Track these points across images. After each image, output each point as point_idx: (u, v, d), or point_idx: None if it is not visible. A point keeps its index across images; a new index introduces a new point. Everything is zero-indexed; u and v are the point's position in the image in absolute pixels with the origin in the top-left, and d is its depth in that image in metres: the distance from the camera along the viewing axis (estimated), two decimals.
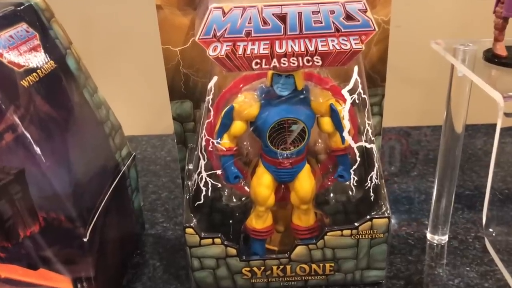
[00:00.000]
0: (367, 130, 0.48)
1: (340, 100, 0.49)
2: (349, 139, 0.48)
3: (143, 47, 0.84)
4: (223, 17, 0.42)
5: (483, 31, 0.58)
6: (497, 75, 0.47)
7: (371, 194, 0.51)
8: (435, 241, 0.62)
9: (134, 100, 0.92)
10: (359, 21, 0.42)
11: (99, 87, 0.58)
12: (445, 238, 0.62)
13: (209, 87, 0.47)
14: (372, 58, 0.54)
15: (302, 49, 0.43)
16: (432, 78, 0.89)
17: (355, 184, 0.50)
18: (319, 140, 0.52)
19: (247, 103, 0.48)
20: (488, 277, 0.56)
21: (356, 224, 0.51)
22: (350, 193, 0.51)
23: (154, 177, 0.80)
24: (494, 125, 0.84)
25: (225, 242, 0.51)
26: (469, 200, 0.70)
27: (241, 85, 0.50)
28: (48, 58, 0.49)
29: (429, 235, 0.62)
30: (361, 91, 0.46)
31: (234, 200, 0.54)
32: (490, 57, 0.48)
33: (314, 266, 0.53)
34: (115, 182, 0.55)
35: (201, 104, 0.56)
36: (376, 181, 0.50)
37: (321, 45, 0.43)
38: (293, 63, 0.44)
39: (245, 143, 0.52)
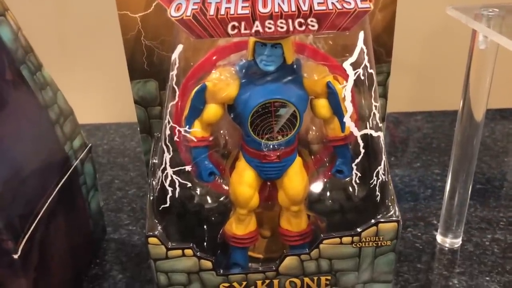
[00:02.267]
0: (374, 114, 0.39)
1: (339, 77, 0.39)
2: (351, 126, 0.38)
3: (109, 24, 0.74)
4: None
5: None
6: None
7: (377, 193, 0.41)
8: (447, 245, 0.53)
9: (102, 85, 0.81)
10: None
11: (63, 73, 0.47)
12: (459, 241, 0.53)
13: (172, 58, 0.37)
14: (376, 27, 0.44)
15: (293, 8, 0.33)
16: (421, 61, 0.80)
17: (357, 181, 0.41)
18: (313, 128, 0.42)
19: (223, 81, 0.38)
20: None
21: (358, 229, 0.41)
22: (352, 191, 0.41)
23: (121, 171, 0.70)
24: (501, 110, 0.75)
25: (198, 253, 0.41)
26: (481, 196, 0.61)
27: (215, 58, 0.39)
28: None
29: (439, 238, 0.53)
30: (367, 65, 0.36)
31: (210, 201, 0.44)
32: None
33: (307, 280, 0.43)
34: (62, 180, 0.45)
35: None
36: (383, 177, 0.41)
37: (318, 3, 0.33)
38: (282, 28, 0.34)
39: (222, 131, 0.42)
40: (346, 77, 0.39)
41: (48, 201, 0.42)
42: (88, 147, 0.51)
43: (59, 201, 0.44)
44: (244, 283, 0.43)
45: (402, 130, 0.79)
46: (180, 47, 0.37)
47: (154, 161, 0.45)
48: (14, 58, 0.43)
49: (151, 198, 0.43)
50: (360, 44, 0.35)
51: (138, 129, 0.49)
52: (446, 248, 0.53)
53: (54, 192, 0.43)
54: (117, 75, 0.81)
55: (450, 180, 0.50)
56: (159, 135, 0.48)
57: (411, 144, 0.74)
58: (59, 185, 0.44)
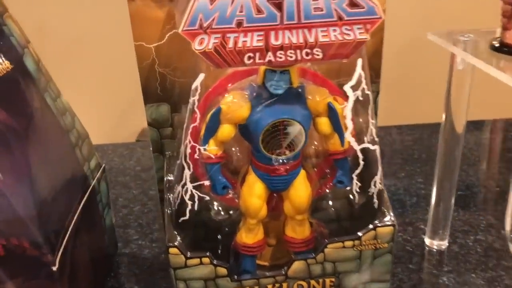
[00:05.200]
0: (371, 130, 0.44)
1: (338, 98, 0.44)
2: (351, 141, 0.43)
3: (105, 48, 0.78)
4: (210, 5, 0.37)
5: (470, 23, 0.55)
6: (508, 65, 0.43)
7: (375, 200, 0.46)
8: (435, 247, 0.58)
9: (96, 106, 0.85)
10: (363, 7, 0.38)
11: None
12: (445, 243, 0.58)
13: (194, 86, 0.42)
14: (367, 51, 0.50)
15: (301, 40, 0.38)
16: (398, 79, 0.86)
17: (358, 190, 0.45)
18: (315, 142, 0.47)
19: (236, 103, 0.43)
20: (496, 283, 0.52)
21: (359, 234, 0.46)
22: (352, 199, 0.46)
23: (124, 190, 0.73)
24: (474, 122, 0.81)
25: (214, 261, 0.45)
26: (462, 201, 0.67)
27: (229, 84, 0.44)
28: (3, 58, 0.42)
29: (427, 241, 0.59)
30: (365, 87, 0.41)
31: (222, 213, 0.48)
32: (499, 46, 0.44)
33: (313, 282, 0.48)
34: (84, 198, 0.48)
35: (179, 107, 0.50)
36: (380, 186, 0.46)
37: (322, 35, 0.38)
38: (291, 57, 0.38)
39: (233, 149, 0.47)
40: (345, 98, 0.44)
41: (75, 218, 0.45)
42: (102, 167, 0.55)
43: (82, 217, 0.47)
44: (256, 287, 0.47)
45: (384, 143, 0.84)
46: (201, 76, 0.41)
47: (169, 177, 0.49)
48: (39, 87, 0.47)
49: (169, 211, 0.47)
50: (358, 69, 0.40)
51: (151, 148, 0.53)
52: (434, 250, 0.58)
53: (79, 209, 0.47)
54: (110, 98, 0.85)
55: (436, 188, 0.56)
56: (172, 153, 0.52)
57: (394, 156, 0.80)
58: (82, 203, 0.48)
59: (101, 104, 0.84)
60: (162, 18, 0.47)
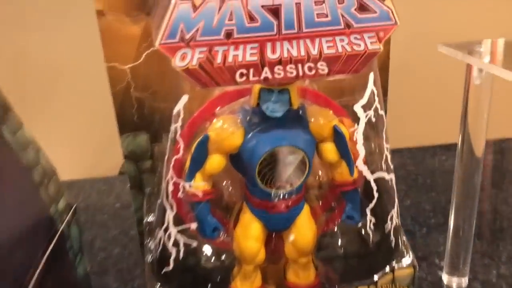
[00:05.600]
0: (386, 156, 0.37)
1: (345, 120, 0.38)
2: (364, 170, 0.36)
3: (83, 75, 0.71)
4: (193, 12, 0.30)
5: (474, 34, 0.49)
6: None
7: (392, 237, 0.39)
8: (454, 285, 0.51)
9: (71, 138, 0.78)
10: (375, 12, 0.32)
11: (27, 125, 0.44)
12: (465, 280, 0.51)
13: (176, 110, 0.35)
14: None
15: (302, 53, 0.32)
16: (396, 100, 0.81)
17: (371, 227, 0.39)
18: (319, 172, 0.41)
19: (226, 130, 0.36)
20: None
21: (375, 277, 0.39)
22: (366, 237, 0.40)
23: (101, 230, 0.66)
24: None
25: None
26: (476, 229, 0.60)
27: (217, 108, 0.37)
28: None
29: (445, 278, 0.52)
30: (378, 106, 0.35)
31: (213, 259, 0.41)
32: None
33: None
34: (50, 248, 0.41)
35: (160, 136, 0.44)
36: (397, 220, 0.39)
37: (327, 46, 0.32)
38: (291, 73, 0.32)
39: (224, 183, 0.40)
40: (352, 119, 0.38)
41: (36, 273, 0.38)
42: (73, 208, 0.47)
43: (47, 271, 0.40)
44: None
45: None
46: (185, 98, 0.35)
47: (150, 219, 0.42)
48: None
49: (149, 260, 0.40)
50: (370, 86, 0.34)
51: (129, 185, 0.46)
52: None
53: (42, 262, 0.39)
54: (87, 127, 0.79)
55: (453, 218, 0.49)
56: (153, 189, 0.46)
57: (397, 182, 0.74)
58: (47, 253, 0.40)
59: (79, 135, 0.77)
60: (138, 34, 0.41)
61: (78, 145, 0.78)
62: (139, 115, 0.44)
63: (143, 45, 0.41)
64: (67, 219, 0.46)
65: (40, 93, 0.73)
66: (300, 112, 0.37)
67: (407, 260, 0.40)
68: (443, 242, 0.58)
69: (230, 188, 0.41)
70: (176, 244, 0.37)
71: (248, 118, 0.36)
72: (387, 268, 0.39)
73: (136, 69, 0.42)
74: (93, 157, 0.80)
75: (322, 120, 0.37)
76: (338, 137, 0.37)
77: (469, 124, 0.45)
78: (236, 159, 0.38)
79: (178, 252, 0.37)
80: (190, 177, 0.37)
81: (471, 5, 0.75)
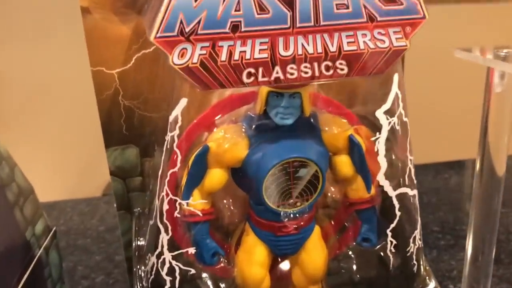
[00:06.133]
0: (410, 169, 0.33)
1: (361, 129, 0.34)
2: (385, 185, 0.32)
3: (60, 82, 0.67)
4: (195, 1, 0.26)
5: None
6: None
7: (414, 262, 0.35)
8: None
9: (50, 156, 0.73)
10: (402, 4, 0.28)
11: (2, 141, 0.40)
12: None
13: (172, 117, 0.31)
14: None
15: (319, 49, 0.28)
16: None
17: (392, 249, 0.34)
18: (332, 189, 0.36)
19: (228, 140, 0.32)
20: None
21: None
22: (387, 261, 0.35)
23: (84, 255, 0.60)
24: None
25: None
26: None
27: (218, 116, 0.33)
28: None
29: None
30: (403, 112, 0.31)
31: (212, 287, 0.36)
32: None
33: None
34: (25, 276, 0.36)
35: (151, 150, 0.39)
36: (420, 243, 0.35)
37: (347, 42, 0.28)
38: (306, 73, 0.28)
39: (225, 201, 0.35)
40: (366, 132, 0.34)
41: None
42: (52, 231, 0.42)
43: None
44: None
45: None
46: (183, 102, 0.30)
47: (140, 243, 0.37)
48: None
49: None
50: (394, 88, 0.30)
51: (115, 205, 0.41)
52: None
53: None
54: (68, 144, 0.74)
55: (472, 241, 0.45)
56: (141, 210, 0.41)
57: None
58: (22, 282, 0.35)
59: (60, 153, 0.72)
60: (128, 35, 0.37)
61: (58, 163, 0.73)
62: (128, 126, 0.39)
63: (133, 48, 0.37)
64: (45, 243, 0.41)
65: (17, 108, 0.68)
66: (312, 120, 0.33)
67: (430, 286, 0.35)
68: (455, 265, 0.54)
69: (232, 207, 0.36)
70: (171, 272, 0.32)
71: (253, 127, 0.32)
72: None
73: (125, 74, 0.37)
74: (75, 176, 0.75)
75: (336, 129, 0.33)
76: (354, 149, 0.33)
77: (490, 139, 0.42)
78: (239, 174, 0.33)
79: (173, 281, 0.32)
80: (187, 194, 0.33)
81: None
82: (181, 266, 0.32)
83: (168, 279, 0.32)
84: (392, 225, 0.34)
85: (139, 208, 0.41)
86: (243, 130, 0.32)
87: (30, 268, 0.37)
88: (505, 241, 0.59)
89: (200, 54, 0.27)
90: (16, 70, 0.66)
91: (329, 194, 0.37)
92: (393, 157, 0.33)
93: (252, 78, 0.28)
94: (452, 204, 0.68)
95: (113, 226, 0.66)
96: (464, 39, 0.67)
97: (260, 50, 0.27)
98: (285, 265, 0.37)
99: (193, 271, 0.33)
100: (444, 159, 0.80)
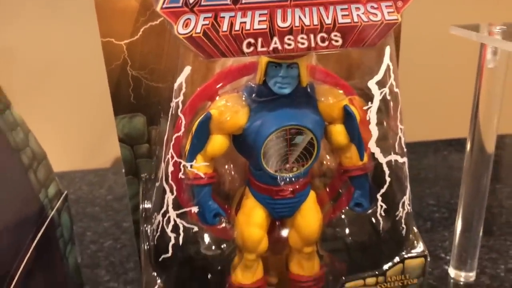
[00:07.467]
0: (400, 138, 0.35)
1: (355, 99, 0.36)
2: (376, 152, 0.34)
3: (70, 56, 0.69)
4: None
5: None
6: None
7: (403, 225, 0.37)
8: (462, 279, 0.49)
9: (60, 127, 0.75)
10: None
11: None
12: (473, 274, 0.49)
13: (177, 84, 0.33)
14: None
15: (315, 22, 0.30)
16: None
17: (383, 213, 0.37)
18: (327, 156, 0.38)
19: (230, 108, 0.34)
20: None
21: (384, 267, 0.37)
22: (376, 225, 0.37)
23: (92, 222, 0.63)
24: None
25: None
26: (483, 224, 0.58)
27: (221, 85, 0.35)
28: None
29: (453, 272, 0.50)
30: (394, 83, 0.33)
31: (213, 247, 0.39)
32: None
33: None
34: (39, 234, 0.39)
35: (157, 118, 0.41)
36: (409, 208, 0.37)
37: (342, 15, 0.30)
38: (302, 44, 0.30)
39: (226, 166, 0.38)
40: (359, 102, 0.36)
41: (25, 260, 0.35)
42: (64, 195, 0.45)
43: (36, 259, 0.37)
44: None
45: None
46: (187, 70, 0.32)
47: (146, 205, 0.40)
48: None
49: (146, 247, 0.37)
50: (386, 60, 0.32)
51: (123, 170, 0.44)
52: (461, 283, 0.49)
53: (31, 249, 0.37)
54: (77, 117, 0.76)
55: (462, 214, 0.47)
56: (148, 175, 0.43)
57: None
58: (36, 240, 0.38)
59: (69, 125, 0.74)
60: (136, 8, 0.39)
61: (68, 135, 0.75)
62: (136, 96, 0.41)
63: (141, 20, 0.39)
64: (57, 205, 0.43)
65: (28, 81, 0.70)
66: (309, 90, 0.35)
67: (418, 249, 0.37)
68: (448, 236, 0.56)
69: (233, 172, 0.38)
70: (175, 229, 0.35)
71: (253, 95, 0.34)
72: (397, 259, 0.37)
73: (133, 45, 0.39)
74: (85, 148, 0.77)
75: (331, 99, 0.35)
76: (348, 118, 0.35)
77: (481, 114, 0.43)
78: (240, 140, 0.35)
79: (177, 238, 0.35)
80: (191, 158, 0.35)
81: None
82: (185, 224, 0.35)
83: (172, 235, 0.35)
84: (382, 190, 0.36)
85: (146, 174, 0.43)
86: (244, 98, 0.34)
87: (44, 228, 0.40)
88: (498, 214, 0.61)
89: (203, 25, 0.29)
90: (28, 44, 0.68)
91: (324, 162, 0.39)
92: (385, 126, 0.35)
93: (252, 48, 0.30)
94: (449, 180, 0.70)
95: (120, 195, 0.69)
96: (461, 16, 0.68)
97: (259, 21, 0.29)
98: (282, 229, 0.40)
99: (196, 228, 0.36)
100: (444, 136, 0.82)
